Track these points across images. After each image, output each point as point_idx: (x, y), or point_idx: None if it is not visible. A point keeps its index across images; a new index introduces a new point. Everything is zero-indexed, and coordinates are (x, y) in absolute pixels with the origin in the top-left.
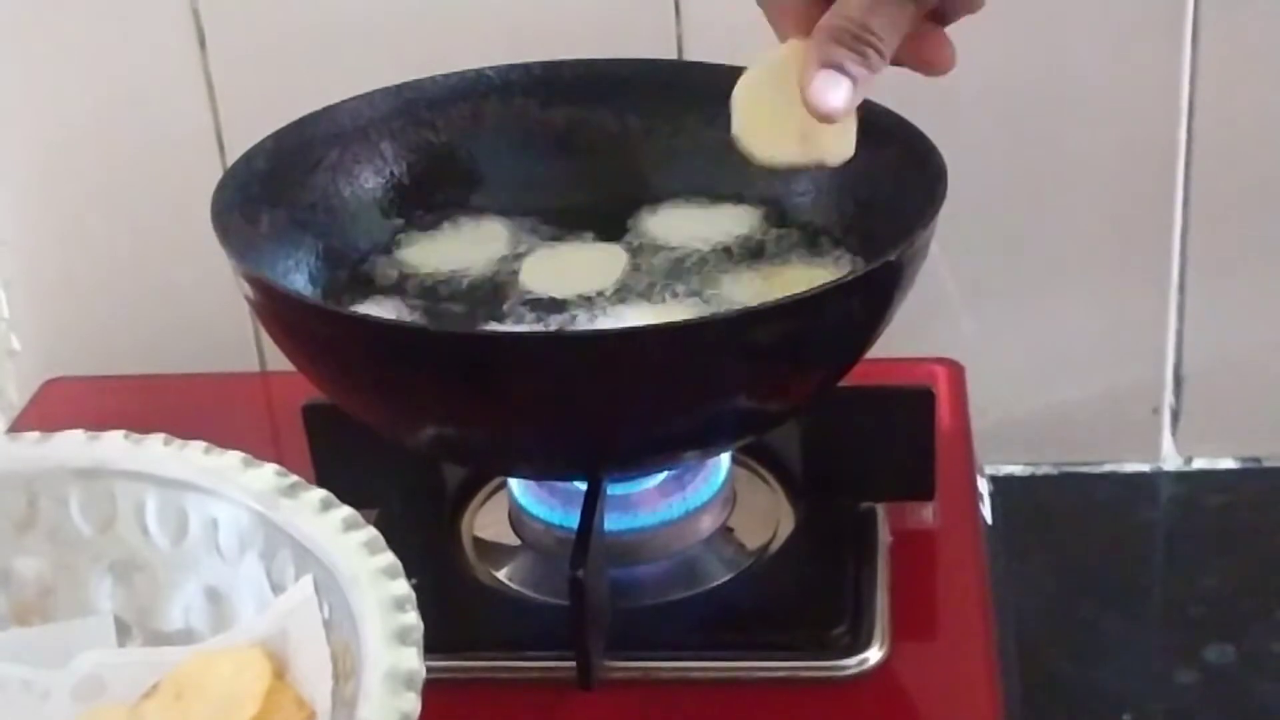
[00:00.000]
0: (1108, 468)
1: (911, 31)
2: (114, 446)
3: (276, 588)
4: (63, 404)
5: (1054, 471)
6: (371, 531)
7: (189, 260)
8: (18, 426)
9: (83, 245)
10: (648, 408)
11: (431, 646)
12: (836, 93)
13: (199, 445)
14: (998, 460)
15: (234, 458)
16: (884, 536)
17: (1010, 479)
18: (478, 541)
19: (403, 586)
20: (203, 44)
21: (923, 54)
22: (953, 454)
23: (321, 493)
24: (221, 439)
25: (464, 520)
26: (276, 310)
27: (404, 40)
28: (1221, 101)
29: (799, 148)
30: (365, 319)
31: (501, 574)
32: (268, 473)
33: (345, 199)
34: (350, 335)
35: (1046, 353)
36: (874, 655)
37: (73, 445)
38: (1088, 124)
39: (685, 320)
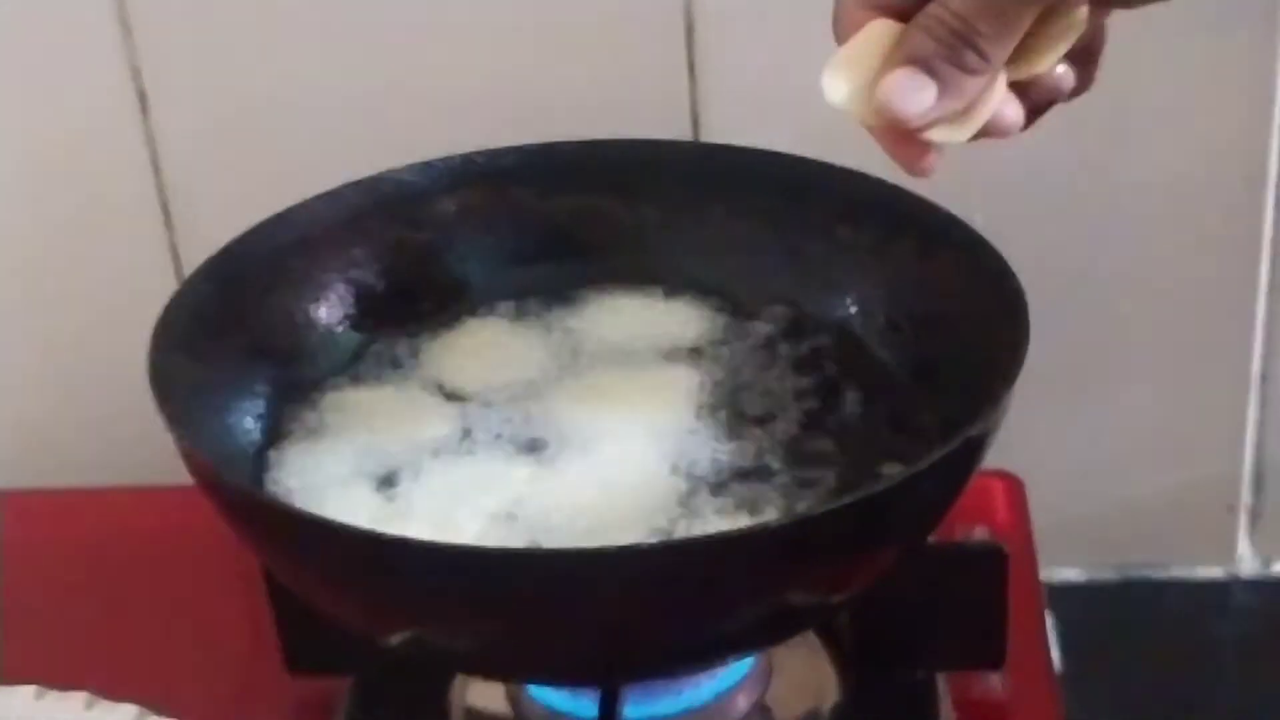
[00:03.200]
0: (1176, 572)
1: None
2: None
3: None
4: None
5: (1116, 577)
6: None
7: (131, 351)
8: None
9: (12, 329)
10: (675, 620)
11: None
12: (917, 95)
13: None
14: (1052, 564)
15: None
16: (947, 711)
17: (1066, 587)
18: (470, 714)
19: None
20: (145, 109)
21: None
22: (1021, 601)
23: None
24: (182, 570)
25: (454, 687)
26: (229, 506)
27: (376, 119)
28: None
29: None
30: (339, 528)
31: None
32: None
33: (310, 317)
34: (320, 544)
35: (1109, 444)
36: None
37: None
38: (1160, 198)
39: (724, 534)
